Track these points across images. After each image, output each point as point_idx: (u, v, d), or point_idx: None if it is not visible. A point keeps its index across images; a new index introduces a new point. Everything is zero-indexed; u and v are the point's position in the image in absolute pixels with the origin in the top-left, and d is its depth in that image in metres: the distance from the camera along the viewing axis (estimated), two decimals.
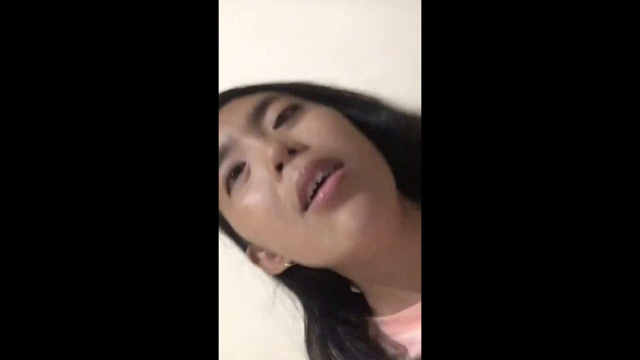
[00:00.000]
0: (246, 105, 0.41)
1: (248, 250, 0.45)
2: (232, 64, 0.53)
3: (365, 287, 0.45)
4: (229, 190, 0.39)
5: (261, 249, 0.44)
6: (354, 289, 0.47)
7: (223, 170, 0.39)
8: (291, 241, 0.38)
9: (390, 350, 0.42)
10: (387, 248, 0.39)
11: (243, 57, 0.64)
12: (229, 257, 0.46)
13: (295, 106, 0.40)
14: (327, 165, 0.36)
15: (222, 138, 0.39)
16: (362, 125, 0.42)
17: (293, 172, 0.36)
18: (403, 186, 0.41)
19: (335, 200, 0.35)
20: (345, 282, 0.46)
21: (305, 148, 0.37)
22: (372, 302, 0.45)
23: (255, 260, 0.44)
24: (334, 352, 0.43)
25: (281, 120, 0.39)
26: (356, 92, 0.46)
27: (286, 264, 0.43)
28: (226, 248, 0.46)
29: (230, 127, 0.40)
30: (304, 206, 0.36)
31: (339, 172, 0.35)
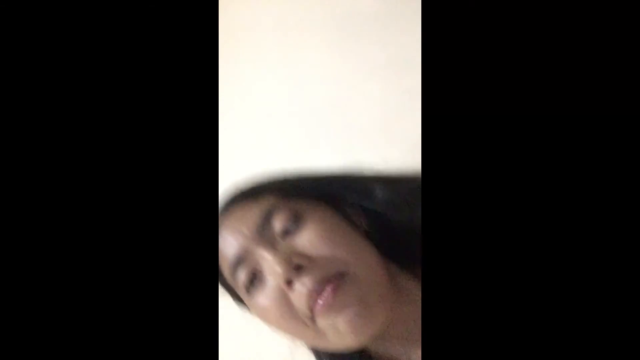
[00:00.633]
0: (253, 213, 0.48)
1: None
2: None
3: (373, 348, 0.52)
4: (249, 292, 0.47)
5: None
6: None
7: (242, 277, 0.47)
8: (305, 338, 0.47)
9: None
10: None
11: None
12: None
13: (296, 216, 0.47)
14: (329, 279, 0.43)
15: (237, 248, 0.47)
16: (359, 218, 0.50)
17: (302, 288, 0.43)
18: (395, 258, 0.49)
19: (334, 307, 0.43)
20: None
21: (309, 261, 0.44)
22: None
23: None
24: None
25: (286, 232, 0.47)
26: (348, 178, 0.53)
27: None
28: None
29: (243, 238, 0.47)
30: (313, 314, 0.44)
31: (334, 283, 0.43)
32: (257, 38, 0.96)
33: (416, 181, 0.49)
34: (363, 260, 0.46)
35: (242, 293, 0.49)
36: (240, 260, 0.47)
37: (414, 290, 0.49)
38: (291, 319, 0.45)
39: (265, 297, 0.46)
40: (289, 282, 0.44)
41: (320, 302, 0.43)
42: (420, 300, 0.46)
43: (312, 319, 0.44)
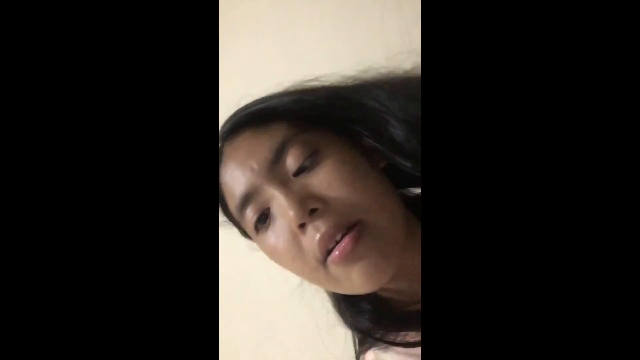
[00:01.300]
0: (264, 145, 0.44)
1: None
2: None
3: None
4: (257, 231, 0.44)
5: None
6: None
7: (250, 215, 0.44)
8: (315, 280, 0.44)
9: None
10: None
11: None
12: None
13: (313, 152, 0.43)
14: (344, 226, 0.40)
15: (246, 185, 0.43)
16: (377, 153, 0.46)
17: (315, 232, 0.40)
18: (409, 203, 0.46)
19: (350, 257, 0.40)
20: None
21: (325, 204, 0.41)
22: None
23: None
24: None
25: (300, 170, 0.43)
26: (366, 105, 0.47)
27: None
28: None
29: (252, 173, 0.43)
30: (325, 258, 0.41)
31: (353, 233, 0.40)
32: None
33: None
34: (383, 206, 0.42)
35: (249, 230, 0.46)
36: (249, 197, 0.43)
37: (418, 230, 0.46)
38: (301, 262, 0.42)
39: (275, 237, 0.43)
40: (302, 226, 0.41)
41: (337, 252, 0.40)
42: None
43: (324, 263, 0.41)
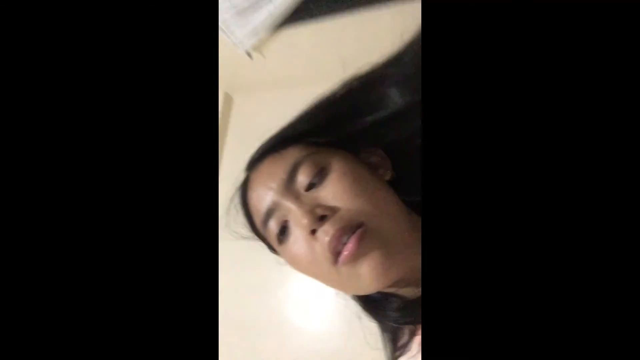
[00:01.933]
0: (280, 168, 0.52)
1: None
2: None
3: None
4: (280, 242, 0.51)
5: None
6: None
7: (273, 228, 0.51)
8: (331, 282, 0.50)
9: None
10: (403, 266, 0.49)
11: None
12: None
13: (321, 169, 0.50)
14: (350, 229, 0.46)
15: (268, 202, 0.51)
16: (381, 163, 0.54)
17: (324, 236, 0.46)
18: (411, 204, 0.52)
19: (357, 255, 0.46)
20: None
21: (332, 211, 0.47)
22: None
23: None
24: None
25: (310, 186, 0.50)
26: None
27: None
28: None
29: (271, 192, 0.51)
30: (335, 260, 0.47)
31: (357, 234, 0.46)
32: None
33: None
34: (384, 210, 0.48)
35: (274, 243, 0.53)
36: (271, 212, 0.51)
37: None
38: (317, 265, 0.49)
39: (294, 246, 0.50)
40: (313, 232, 0.47)
41: (345, 252, 0.45)
42: None
43: (336, 265, 0.47)
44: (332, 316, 1.02)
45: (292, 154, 0.52)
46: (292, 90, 0.90)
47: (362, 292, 0.50)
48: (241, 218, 0.57)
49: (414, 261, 0.48)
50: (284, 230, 0.51)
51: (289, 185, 0.50)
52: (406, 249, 0.47)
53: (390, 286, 0.50)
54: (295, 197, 0.50)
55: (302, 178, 0.50)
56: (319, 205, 0.48)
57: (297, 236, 0.49)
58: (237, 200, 0.58)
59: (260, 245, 0.58)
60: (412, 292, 0.51)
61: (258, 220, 0.53)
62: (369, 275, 0.46)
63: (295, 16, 1.03)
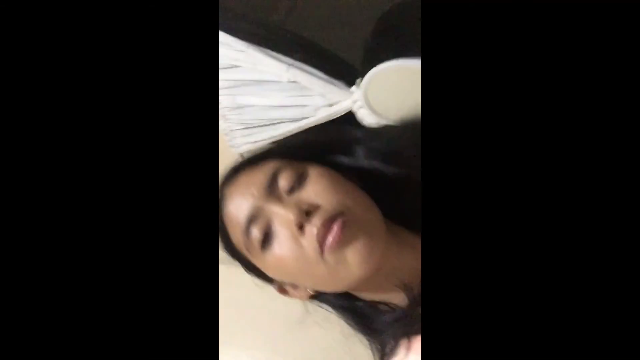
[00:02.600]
0: (259, 177, 0.54)
1: (275, 285, 0.59)
2: None
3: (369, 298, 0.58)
4: (262, 249, 0.52)
5: (285, 283, 0.58)
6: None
7: (255, 234, 0.52)
8: (317, 276, 0.51)
9: None
10: (384, 261, 0.52)
11: None
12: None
13: (300, 174, 0.53)
14: (334, 218, 0.49)
15: (249, 209, 0.52)
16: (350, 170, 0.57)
17: (312, 229, 0.49)
18: (388, 214, 0.55)
19: (342, 242, 0.48)
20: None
21: (316, 207, 0.50)
22: None
23: (283, 291, 0.59)
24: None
25: (291, 189, 0.52)
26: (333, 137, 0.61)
27: (310, 292, 0.57)
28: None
29: (252, 198, 0.53)
30: (322, 249, 0.49)
31: (339, 221, 0.48)
32: None
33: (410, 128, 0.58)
34: (361, 203, 0.52)
35: (255, 252, 0.53)
36: (253, 218, 0.52)
37: (409, 239, 0.55)
38: (304, 261, 0.50)
39: (279, 247, 0.51)
40: (301, 227, 0.49)
41: (330, 238, 0.48)
42: (417, 250, 0.52)
43: (322, 255, 0.49)
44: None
45: (269, 165, 0.55)
46: None
47: (348, 282, 0.51)
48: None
49: (391, 255, 0.51)
50: (267, 236, 0.52)
51: (270, 191, 0.52)
52: (386, 237, 0.51)
53: (379, 293, 0.54)
54: (279, 199, 0.52)
55: (284, 183, 0.52)
56: (304, 202, 0.51)
57: (283, 237, 0.51)
58: None
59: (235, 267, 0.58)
60: (403, 299, 0.52)
61: (237, 231, 0.54)
62: (355, 258, 0.48)
63: None
